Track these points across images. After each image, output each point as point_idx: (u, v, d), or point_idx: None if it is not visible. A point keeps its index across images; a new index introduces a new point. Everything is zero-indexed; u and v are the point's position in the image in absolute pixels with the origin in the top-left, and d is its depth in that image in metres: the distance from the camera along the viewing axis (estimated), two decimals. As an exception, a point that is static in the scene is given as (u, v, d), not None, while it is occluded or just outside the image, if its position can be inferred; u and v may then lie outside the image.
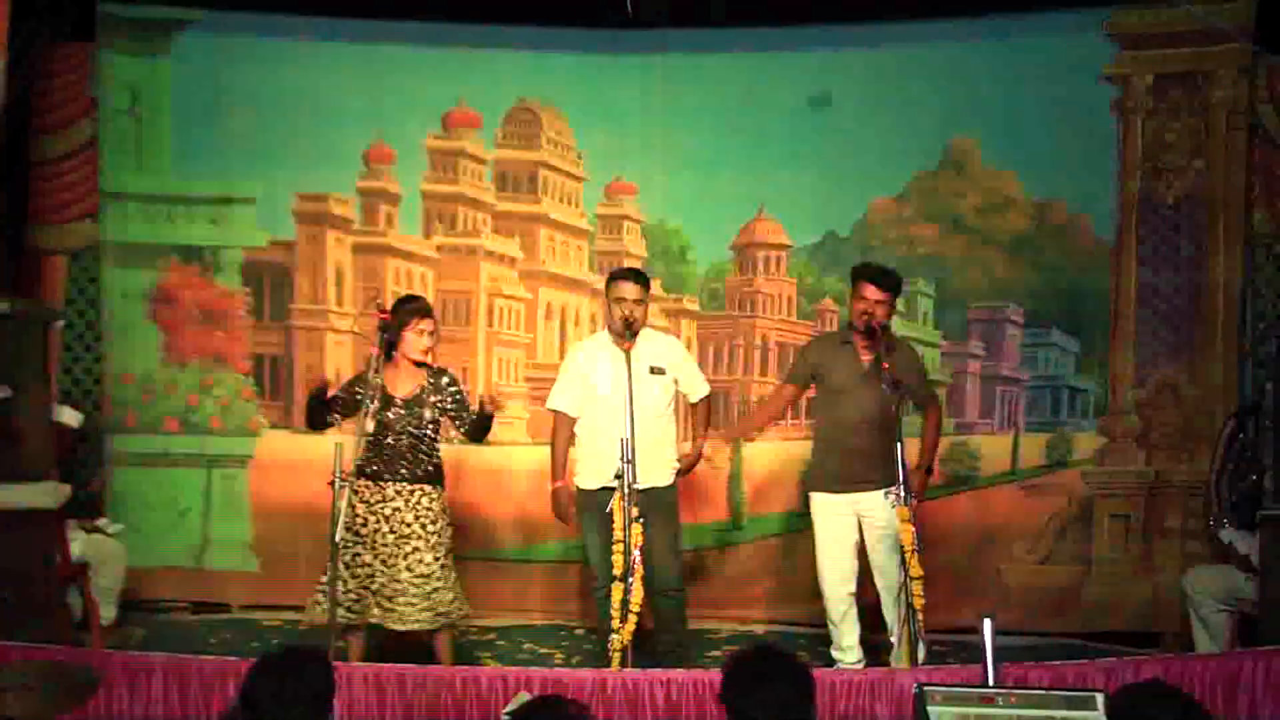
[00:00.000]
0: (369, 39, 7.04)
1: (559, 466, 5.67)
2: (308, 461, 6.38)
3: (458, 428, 5.57)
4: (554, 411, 5.73)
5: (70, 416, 6.34)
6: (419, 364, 5.50)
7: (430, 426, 5.48)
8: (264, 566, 7.07)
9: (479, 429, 5.54)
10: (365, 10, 6.95)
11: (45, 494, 5.65)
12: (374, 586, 5.36)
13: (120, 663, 4.51)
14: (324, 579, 5.24)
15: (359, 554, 5.38)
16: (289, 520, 6.79)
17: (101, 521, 6.44)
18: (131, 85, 7.04)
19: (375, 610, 5.36)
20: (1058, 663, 4.57)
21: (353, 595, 5.37)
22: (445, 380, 5.55)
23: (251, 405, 7.19)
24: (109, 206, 7.04)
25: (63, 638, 5.49)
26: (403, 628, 5.35)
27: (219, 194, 7.14)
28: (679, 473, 5.70)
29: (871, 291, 5.49)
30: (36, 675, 3.50)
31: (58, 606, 5.77)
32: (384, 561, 5.37)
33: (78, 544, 6.07)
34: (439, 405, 5.50)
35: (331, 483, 5.01)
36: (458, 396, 5.56)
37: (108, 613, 6.20)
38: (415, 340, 5.44)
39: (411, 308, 5.51)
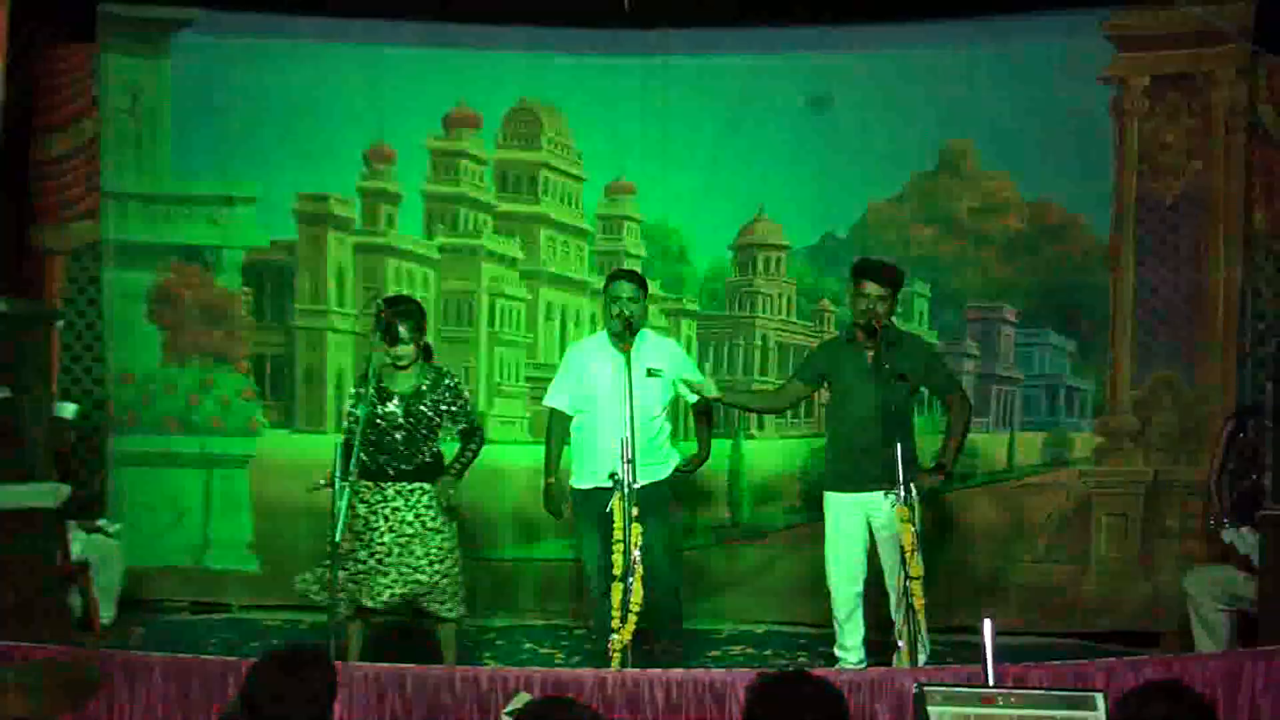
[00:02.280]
0: (369, 39, 7.04)
1: (553, 462, 5.70)
2: (308, 461, 6.39)
3: (453, 427, 5.60)
4: (550, 409, 5.77)
5: (66, 409, 6.33)
6: (411, 357, 5.51)
7: (425, 422, 5.50)
8: (264, 566, 7.07)
9: (471, 441, 5.62)
10: (365, 10, 6.95)
11: (45, 494, 5.66)
12: (360, 579, 5.40)
13: (120, 663, 4.50)
14: (323, 564, 5.30)
15: (355, 551, 5.40)
16: (289, 520, 6.79)
17: (101, 522, 6.44)
18: (131, 85, 7.04)
19: (363, 598, 5.41)
20: (1058, 663, 4.58)
21: (352, 586, 5.40)
22: (446, 381, 5.58)
23: (252, 405, 7.19)
24: (109, 206, 7.04)
25: (63, 638, 5.49)
26: (370, 603, 5.39)
27: (219, 194, 7.14)
28: (682, 471, 5.76)
29: (872, 288, 5.44)
30: (36, 675, 3.51)
31: (58, 606, 5.78)
32: (379, 560, 5.40)
33: (78, 544, 6.07)
34: (437, 402, 5.52)
35: (331, 483, 5.04)
36: (457, 395, 5.59)
37: (108, 613, 6.21)
38: (396, 344, 5.46)
39: (397, 310, 5.52)
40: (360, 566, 5.40)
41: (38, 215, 7.02)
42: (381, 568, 5.38)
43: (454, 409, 5.57)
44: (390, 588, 5.37)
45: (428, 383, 5.54)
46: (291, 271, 7.22)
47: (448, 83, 7.19)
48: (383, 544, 5.41)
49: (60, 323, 6.84)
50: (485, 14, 6.88)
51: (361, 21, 7.00)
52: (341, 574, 5.36)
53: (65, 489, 5.84)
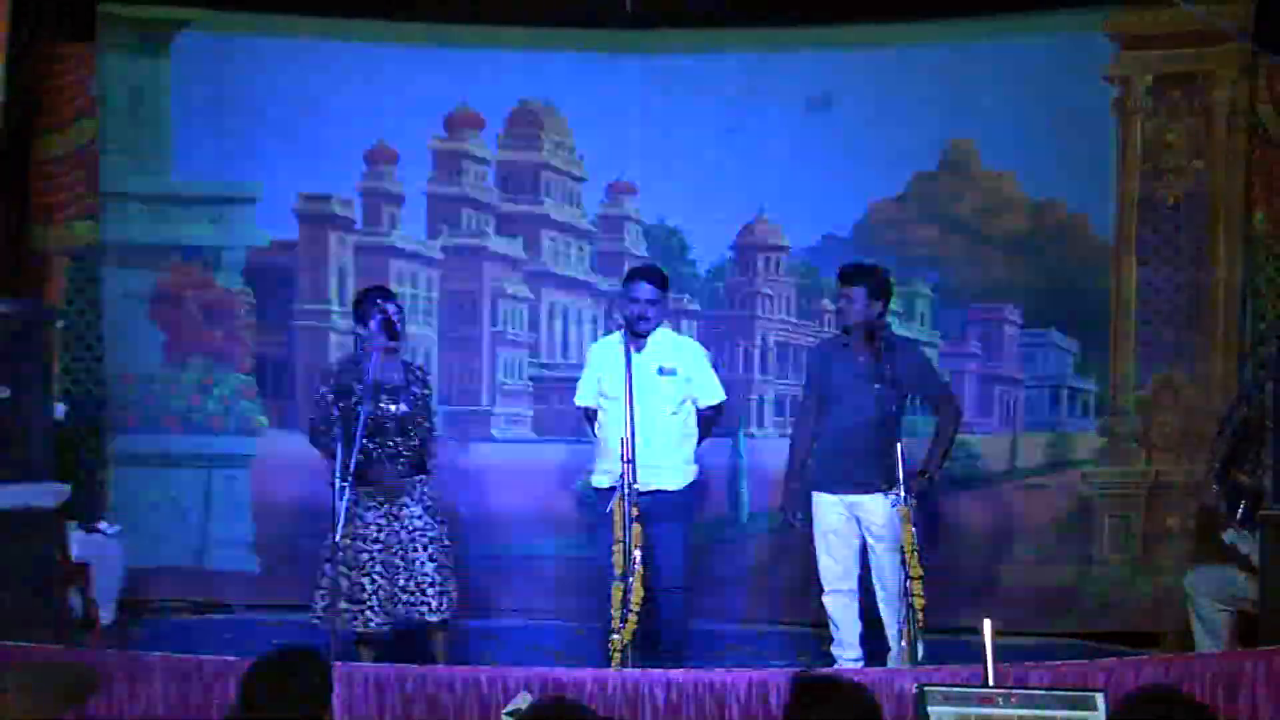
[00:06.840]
0: (370, 39, 7.05)
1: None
2: (309, 461, 6.38)
3: (418, 427, 5.60)
4: (581, 408, 5.85)
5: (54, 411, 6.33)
6: (390, 350, 5.51)
7: (411, 417, 5.52)
8: (264, 566, 7.07)
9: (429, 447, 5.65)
10: (366, 10, 6.96)
11: (45, 494, 5.65)
12: (400, 581, 5.41)
13: (120, 663, 4.51)
14: (323, 586, 5.32)
15: (388, 559, 5.42)
16: (290, 520, 6.79)
17: (101, 523, 6.44)
18: (131, 85, 7.04)
19: (401, 608, 5.41)
20: (1058, 663, 4.58)
21: (382, 594, 5.40)
22: (421, 381, 5.64)
23: (253, 405, 7.19)
24: (109, 206, 7.03)
25: (63, 638, 5.49)
26: (436, 618, 5.41)
27: (220, 194, 7.14)
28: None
29: (843, 289, 5.58)
30: (36, 675, 3.49)
31: (58, 606, 5.77)
32: (402, 557, 5.43)
33: (78, 544, 6.07)
34: (419, 391, 5.57)
35: (331, 483, 5.04)
36: (427, 397, 5.65)
37: (108, 613, 6.21)
38: (379, 323, 5.45)
39: (368, 299, 5.56)
40: (392, 570, 5.40)
41: (38, 215, 7.01)
42: (405, 563, 5.40)
43: (427, 398, 5.62)
44: (441, 597, 5.41)
45: (403, 371, 5.58)
46: (292, 271, 7.22)
47: (449, 84, 7.18)
48: (399, 542, 5.43)
49: (60, 323, 6.83)
50: (485, 14, 6.89)
51: (361, 21, 7.00)
52: (382, 581, 5.39)
53: (65, 489, 5.84)
